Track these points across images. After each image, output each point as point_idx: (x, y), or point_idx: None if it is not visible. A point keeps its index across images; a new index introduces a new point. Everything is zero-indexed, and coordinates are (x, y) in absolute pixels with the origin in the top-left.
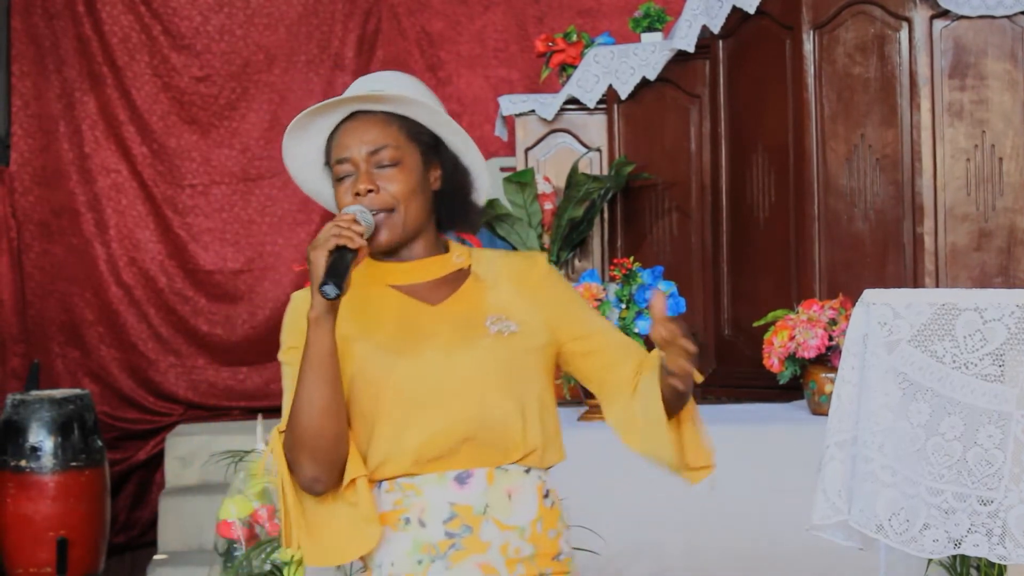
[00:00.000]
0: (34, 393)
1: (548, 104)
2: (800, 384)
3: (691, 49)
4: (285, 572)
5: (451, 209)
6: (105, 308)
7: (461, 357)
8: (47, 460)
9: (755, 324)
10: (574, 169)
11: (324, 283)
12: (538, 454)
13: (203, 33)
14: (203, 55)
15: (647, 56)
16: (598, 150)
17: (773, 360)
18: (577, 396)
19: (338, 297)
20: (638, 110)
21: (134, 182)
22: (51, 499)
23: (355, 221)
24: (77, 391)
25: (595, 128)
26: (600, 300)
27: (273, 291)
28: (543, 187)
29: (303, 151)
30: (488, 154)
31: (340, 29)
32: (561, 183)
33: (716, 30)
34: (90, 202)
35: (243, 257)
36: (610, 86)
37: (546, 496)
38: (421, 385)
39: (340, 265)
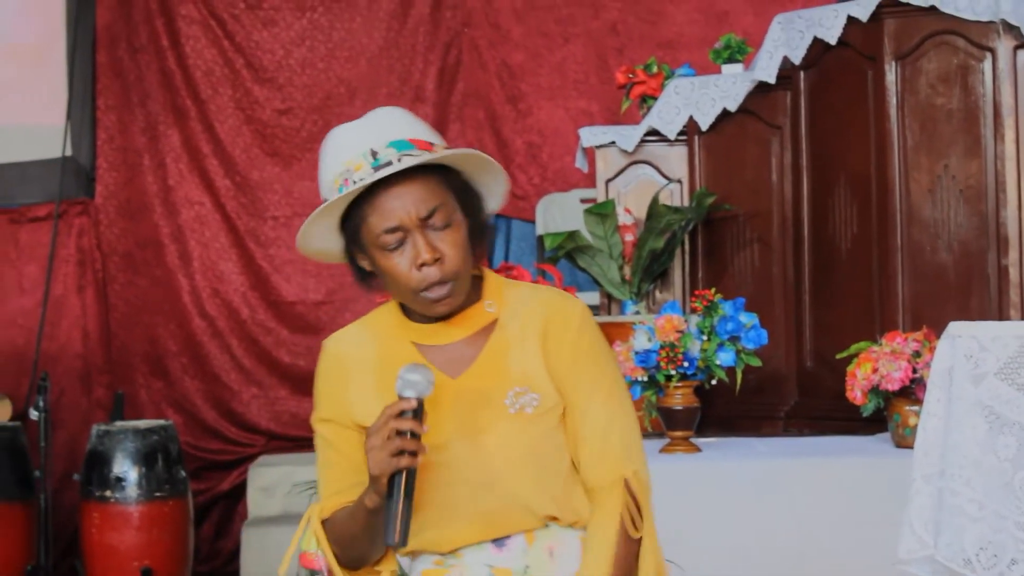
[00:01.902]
0: (119, 424)
1: (629, 136)
2: (883, 417)
3: (772, 80)
4: None
5: (480, 240)
6: (189, 339)
7: (482, 444)
8: (131, 490)
9: (838, 356)
10: (655, 200)
11: (389, 535)
12: (570, 515)
13: (285, 67)
14: (285, 88)
15: (728, 87)
16: (679, 181)
17: (856, 392)
18: (659, 428)
19: (405, 545)
20: (719, 141)
21: (217, 214)
22: (135, 529)
23: (412, 412)
24: (161, 422)
25: (676, 159)
26: (681, 332)
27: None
28: (624, 218)
29: (324, 240)
30: (569, 185)
31: (421, 62)
32: (642, 214)
33: (797, 61)
34: (174, 234)
35: (324, 288)
36: (691, 117)
37: None
38: (440, 478)
39: (405, 506)
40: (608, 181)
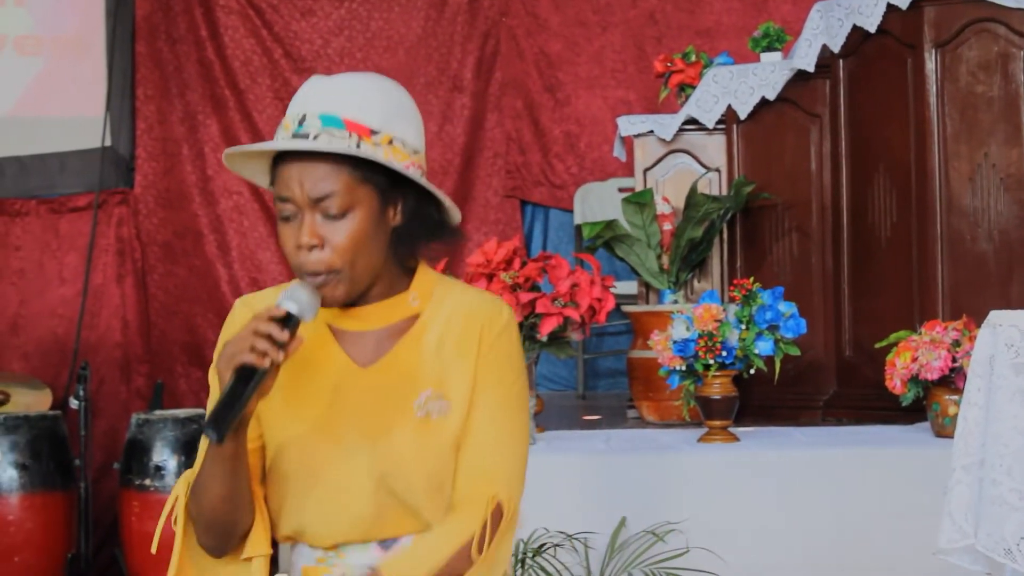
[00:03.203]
0: (158, 413)
1: (667, 124)
2: (923, 406)
3: (811, 68)
4: None
5: (416, 240)
6: None
7: (381, 447)
8: (171, 479)
9: (877, 345)
10: (693, 189)
11: (207, 425)
12: None
13: (323, 56)
14: None
15: (766, 76)
16: (717, 170)
17: (895, 382)
18: (697, 418)
19: (224, 439)
20: (757, 130)
21: (255, 204)
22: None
23: (279, 323)
24: (200, 410)
25: (714, 148)
26: (720, 321)
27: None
28: (662, 208)
29: (245, 169)
30: (606, 175)
31: (459, 51)
32: (680, 203)
33: (836, 49)
34: (213, 224)
35: None
36: (729, 106)
37: None
38: (335, 473)
39: (236, 397)
40: (646, 170)
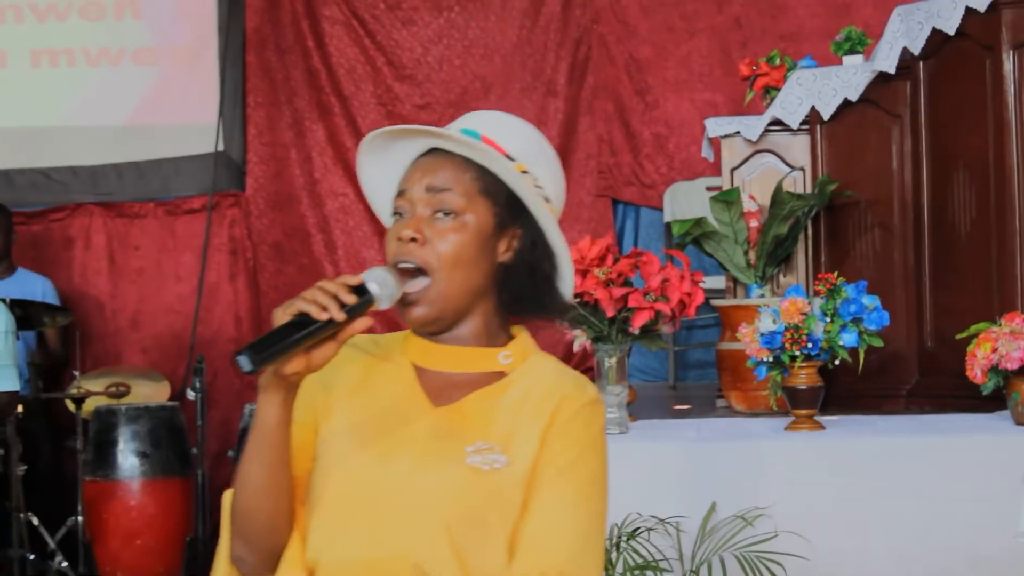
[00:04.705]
0: None
1: (753, 125)
2: (1003, 395)
3: (892, 70)
4: None
5: (520, 290)
6: None
7: (418, 480)
8: None
9: (958, 337)
10: (779, 188)
11: (240, 350)
12: None
13: (424, 64)
14: (424, 84)
15: (849, 78)
16: (802, 169)
17: (976, 372)
18: (784, 407)
19: (254, 372)
20: (840, 130)
21: (360, 205)
22: None
23: (355, 288)
24: None
25: (799, 148)
26: (805, 314)
27: None
28: (749, 205)
29: (381, 177)
30: (695, 174)
31: (553, 57)
32: (766, 201)
33: (917, 51)
34: (320, 224)
35: None
36: (813, 107)
37: None
38: (367, 496)
39: (281, 337)
40: (733, 169)
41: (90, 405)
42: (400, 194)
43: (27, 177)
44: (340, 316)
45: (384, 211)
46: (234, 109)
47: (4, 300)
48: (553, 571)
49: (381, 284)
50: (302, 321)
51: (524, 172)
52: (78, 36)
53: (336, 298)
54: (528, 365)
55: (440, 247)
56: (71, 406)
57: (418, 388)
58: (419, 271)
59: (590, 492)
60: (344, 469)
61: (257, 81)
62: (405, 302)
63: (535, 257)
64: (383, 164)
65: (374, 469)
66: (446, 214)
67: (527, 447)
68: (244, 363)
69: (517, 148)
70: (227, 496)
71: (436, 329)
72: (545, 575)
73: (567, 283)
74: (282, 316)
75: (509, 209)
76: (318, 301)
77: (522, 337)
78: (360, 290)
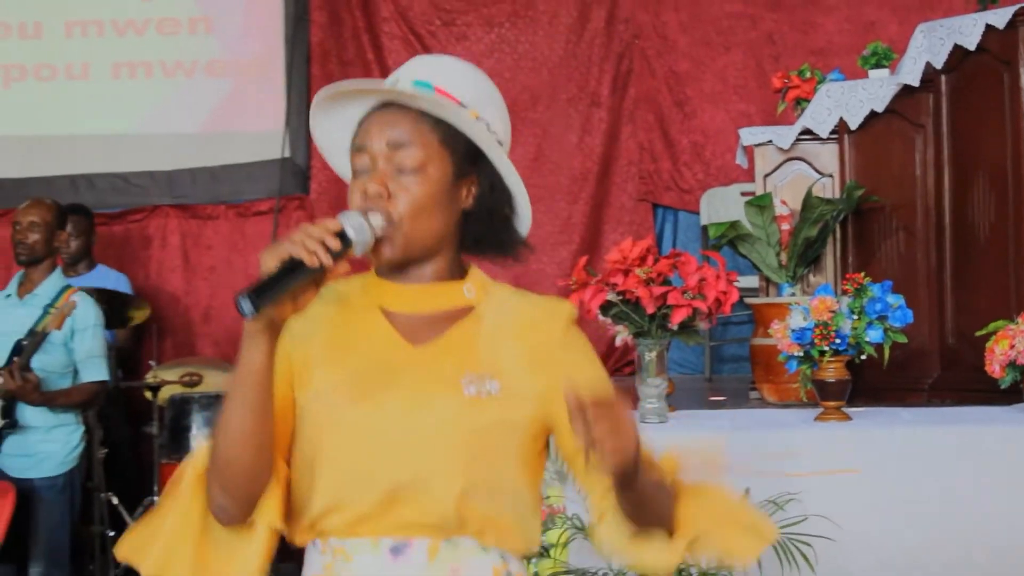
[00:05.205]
0: None
1: (784, 135)
2: (1020, 388)
3: (916, 83)
4: None
5: (481, 233)
6: None
7: (420, 416)
8: None
9: (977, 333)
10: (809, 193)
11: (241, 294)
12: (494, 533)
13: None
14: None
15: (875, 90)
16: (830, 176)
17: (995, 367)
18: (813, 399)
19: (254, 316)
20: (867, 139)
21: None
22: None
23: (336, 234)
24: None
25: (827, 156)
26: (834, 312)
27: None
28: (780, 209)
29: (332, 136)
30: (730, 180)
31: (596, 70)
32: (797, 206)
33: (939, 66)
34: None
35: (510, 275)
36: (841, 118)
37: None
38: (369, 439)
39: (277, 281)
40: (766, 176)
41: (165, 393)
42: (359, 149)
43: (108, 181)
44: (329, 261)
45: (339, 164)
46: (299, 118)
47: (91, 294)
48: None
49: (358, 231)
50: (292, 266)
51: (477, 119)
52: (155, 49)
53: (323, 243)
54: (492, 296)
55: (404, 200)
56: (148, 394)
57: (393, 331)
58: (386, 221)
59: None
60: (339, 424)
61: None
62: (373, 246)
63: (494, 201)
64: (336, 119)
65: (371, 416)
66: (409, 170)
67: (518, 370)
68: (246, 306)
69: (469, 95)
70: (201, 450)
71: (401, 270)
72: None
73: (524, 222)
74: (271, 260)
75: (467, 156)
76: (307, 246)
77: (475, 270)
78: (340, 236)
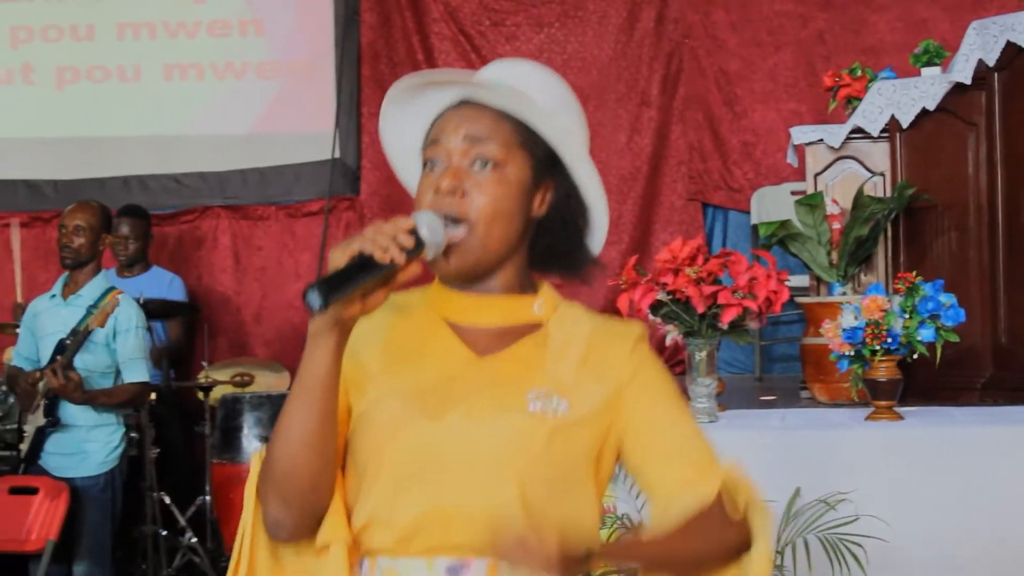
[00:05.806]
0: None
1: (835, 133)
2: None
3: (968, 81)
4: None
5: (553, 245)
6: None
7: (483, 433)
8: None
9: None
10: (860, 192)
11: (310, 287)
12: None
13: None
14: None
15: (927, 88)
16: (882, 174)
17: None
18: (864, 398)
19: (323, 311)
20: (919, 137)
21: None
22: None
23: (409, 233)
24: None
25: (879, 154)
26: (885, 311)
27: (590, 303)
28: (831, 208)
29: (402, 133)
30: (780, 179)
31: (646, 70)
32: (848, 205)
33: (991, 63)
34: None
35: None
36: (892, 116)
37: None
38: (429, 453)
39: (348, 276)
40: (817, 175)
41: (217, 393)
42: (433, 143)
43: (160, 182)
44: (402, 259)
45: (400, 164)
46: (349, 119)
47: (138, 299)
48: (717, 469)
49: (431, 231)
50: (363, 263)
51: (558, 124)
52: (206, 52)
53: (396, 240)
54: (562, 314)
55: (479, 200)
56: (200, 394)
57: (459, 342)
58: (456, 221)
59: (686, 406)
60: (399, 435)
61: (371, 92)
62: (441, 252)
63: (569, 211)
64: (406, 115)
65: (432, 429)
66: (485, 164)
67: (585, 390)
68: (314, 299)
69: (552, 101)
70: (256, 459)
71: (469, 280)
72: (709, 475)
73: (598, 237)
74: (342, 256)
75: (545, 161)
76: (379, 243)
77: (547, 287)
78: (413, 235)
